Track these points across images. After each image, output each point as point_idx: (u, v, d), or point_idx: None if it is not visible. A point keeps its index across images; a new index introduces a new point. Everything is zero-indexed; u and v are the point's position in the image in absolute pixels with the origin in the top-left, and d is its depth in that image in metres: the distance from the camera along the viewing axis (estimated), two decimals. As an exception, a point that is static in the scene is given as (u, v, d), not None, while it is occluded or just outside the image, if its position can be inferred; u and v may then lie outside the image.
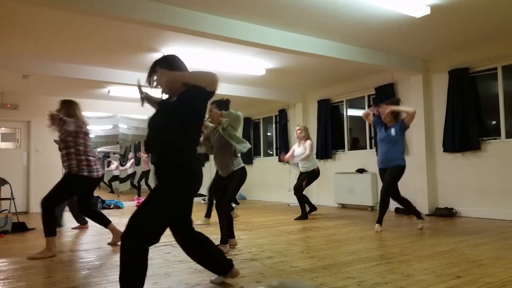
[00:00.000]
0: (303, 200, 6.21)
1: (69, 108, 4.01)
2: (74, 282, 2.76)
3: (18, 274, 3.00)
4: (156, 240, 2.04)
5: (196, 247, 2.44)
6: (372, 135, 7.30)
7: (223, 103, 3.79)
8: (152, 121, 2.26)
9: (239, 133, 3.89)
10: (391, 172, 4.62)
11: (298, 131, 6.43)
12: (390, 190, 4.61)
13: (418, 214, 4.77)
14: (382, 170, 4.79)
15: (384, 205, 4.68)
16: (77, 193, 4.12)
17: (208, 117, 3.75)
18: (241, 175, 3.84)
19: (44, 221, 3.72)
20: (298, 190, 6.21)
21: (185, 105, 2.20)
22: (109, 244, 4.24)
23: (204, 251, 2.46)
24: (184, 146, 2.19)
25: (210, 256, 2.48)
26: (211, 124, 3.89)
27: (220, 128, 3.70)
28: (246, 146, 3.75)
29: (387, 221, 5.59)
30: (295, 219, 5.97)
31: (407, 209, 4.87)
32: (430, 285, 2.47)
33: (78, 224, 5.63)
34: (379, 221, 4.66)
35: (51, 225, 3.74)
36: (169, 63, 2.32)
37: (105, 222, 4.23)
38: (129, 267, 1.96)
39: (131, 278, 1.96)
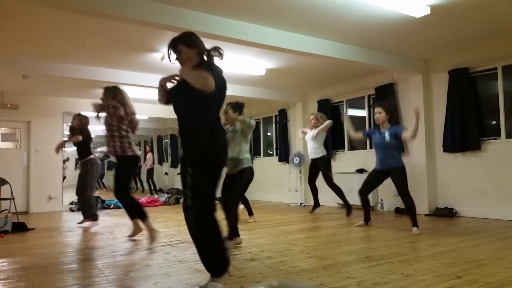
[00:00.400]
0: (339, 191, 6.25)
1: (120, 95, 4.33)
2: (74, 281, 2.76)
3: (18, 274, 3.00)
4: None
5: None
6: (372, 135, 7.30)
7: (239, 106, 3.96)
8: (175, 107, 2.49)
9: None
10: (398, 177, 4.60)
11: (313, 120, 6.38)
12: (408, 191, 4.57)
13: (368, 217, 5.09)
14: (380, 171, 4.81)
15: (412, 207, 4.55)
16: (128, 174, 4.30)
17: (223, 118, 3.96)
18: (250, 174, 3.99)
19: (133, 210, 4.04)
20: (330, 182, 6.26)
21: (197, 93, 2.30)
22: (128, 236, 4.46)
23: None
24: (201, 129, 2.36)
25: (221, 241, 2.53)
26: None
27: (232, 128, 3.87)
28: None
29: (387, 221, 5.60)
30: (346, 215, 6.00)
31: (365, 208, 5.12)
32: (430, 285, 2.47)
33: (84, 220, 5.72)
34: (415, 224, 4.50)
35: (140, 210, 4.04)
36: (187, 41, 2.46)
37: (135, 214, 4.33)
38: (211, 234, 2.25)
39: (217, 240, 2.26)
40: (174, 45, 2.46)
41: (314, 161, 6.44)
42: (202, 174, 2.32)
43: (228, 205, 3.80)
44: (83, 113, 5.74)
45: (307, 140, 6.50)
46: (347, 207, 6.10)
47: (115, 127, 4.23)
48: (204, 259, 2.37)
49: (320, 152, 6.33)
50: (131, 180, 4.41)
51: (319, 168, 6.39)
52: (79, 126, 5.58)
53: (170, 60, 2.50)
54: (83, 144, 5.52)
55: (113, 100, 4.24)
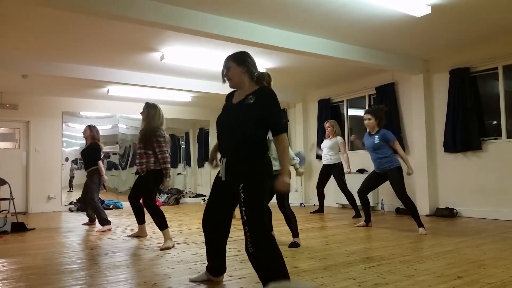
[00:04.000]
0: (352, 198, 6.33)
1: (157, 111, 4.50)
2: (73, 282, 2.75)
3: (18, 275, 2.99)
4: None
5: (225, 234, 2.57)
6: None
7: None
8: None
9: None
10: (394, 177, 4.60)
11: (329, 128, 6.52)
12: (405, 192, 4.56)
13: (368, 218, 5.09)
14: (377, 174, 4.83)
15: (412, 209, 4.53)
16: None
17: None
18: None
19: (154, 219, 4.03)
20: (344, 189, 6.36)
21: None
22: (129, 236, 4.64)
23: (225, 241, 2.60)
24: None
25: (224, 249, 2.62)
26: None
27: None
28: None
29: (388, 222, 5.58)
30: (353, 217, 6.05)
31: (365, 209, 5.12)
32: (431, 286, 2.46)
33: (87, 221, 5.89)
34: (420, 224, 4.49)
35: (162, 220, 4.02)
36: (237, 58, 2.46)
37: (143, 219, 4.60)
38: (275, 256, 2.16)
39: (281, 264, 2.17)
40: (226, 62, 2.48)
41: (328, 167, 6.53)
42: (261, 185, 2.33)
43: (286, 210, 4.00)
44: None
45: (323, 147, 6.62)
46: (356, 212, 6.14)
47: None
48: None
49: (335, 159, 6.45)
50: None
51: (332, 174, 6.49)
52: (91, 138, 5.74)
53: (223, 82, 2.53)
54: (89, 155, 5.65)
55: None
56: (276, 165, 3.99)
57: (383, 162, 4.68)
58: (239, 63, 2.42)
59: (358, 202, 6.42)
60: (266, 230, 2.21)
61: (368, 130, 4.88)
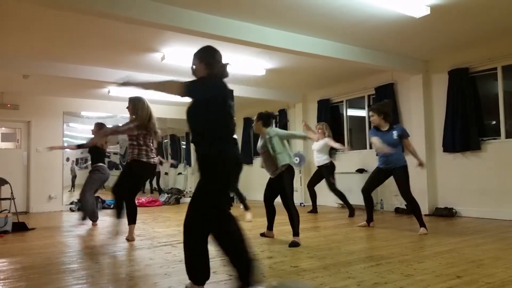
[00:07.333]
0: (342, 195, 6.40)
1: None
2: (74, 281, 2.76)
3: (18, 274, 3.00)
4: (209, 229, 2.26)
5: (228, 236, 2.28)
6: (372, 135, 7.31)
7: (261, 117, 4.18)
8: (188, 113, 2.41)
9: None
10: (401, 175, 4.60)
11: (320, 130, 6.64)
12: (410, 192, 4.56)
13: (370, 218, 5.08)
14: (382, 170, 4.80)
15: (415, 208, 4.53)
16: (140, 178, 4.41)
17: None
18: (289, 172, 4.14)
19: (126, 211, 4.20)
20: (333, 188, 6.46)
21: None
22: (126, 239, 4.43)
23: (233, 242, 2.27)
24: (215, 136, 2.32)
25: (239, 251, 2.26)
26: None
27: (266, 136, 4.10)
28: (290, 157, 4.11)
29: (387, 221, 5.59)
30: (348, 216, 6.12)
31: (367, 208, 5.08)
32: (430, 285, 2.47)
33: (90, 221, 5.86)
34: (422, 224, 4.49)
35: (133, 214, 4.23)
36: (198, 55, 2.46)
37: (134, 219, 4.44)
38: (190, 253, 2.27)
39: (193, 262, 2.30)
40: (192, 60, 2.49)
41: (320, 167, 6.62)
42: (212, 185, 2.31)
43: (290, 207, 4.12)
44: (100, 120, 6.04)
45: (313, 149, 6.72)
46: (350, 210, 6.22)
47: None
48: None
49: (325, 160, 6.54)
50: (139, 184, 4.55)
51: (323, 174, 6.57)
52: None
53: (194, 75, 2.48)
54: (97, 151, 5.69)
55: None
56: (285, 160, 4.05)
57: (392, 159, 4.66)
58: (200, 60, 2.43)
59: (357, 202, 6.45)
60: (193, 231, 2.25)
61: (373, 126, 4.86)
